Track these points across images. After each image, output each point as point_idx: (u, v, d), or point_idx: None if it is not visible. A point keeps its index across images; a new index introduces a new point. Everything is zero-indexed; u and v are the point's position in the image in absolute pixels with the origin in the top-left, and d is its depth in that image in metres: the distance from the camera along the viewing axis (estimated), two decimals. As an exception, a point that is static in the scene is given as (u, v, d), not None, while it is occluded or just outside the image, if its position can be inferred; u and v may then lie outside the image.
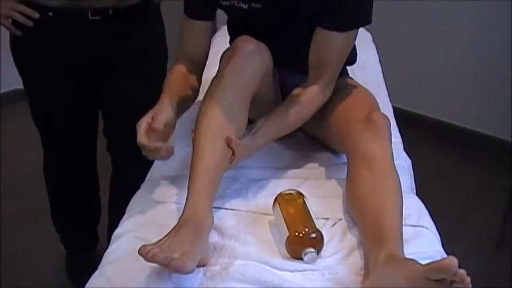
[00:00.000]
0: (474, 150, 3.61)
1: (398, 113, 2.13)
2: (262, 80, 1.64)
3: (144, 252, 1.20)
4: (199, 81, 1.80)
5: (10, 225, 2.83)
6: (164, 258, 1.19)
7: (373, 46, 2.68)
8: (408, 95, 3.78)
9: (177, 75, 1.74)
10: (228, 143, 1.50)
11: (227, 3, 1.70)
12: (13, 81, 3.98)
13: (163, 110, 1.56)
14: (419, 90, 3.84)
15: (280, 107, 1.68)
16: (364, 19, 1.68)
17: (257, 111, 1.65)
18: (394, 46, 3.63)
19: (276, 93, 1.83)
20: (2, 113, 3.95)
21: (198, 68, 1.80)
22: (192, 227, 1.32)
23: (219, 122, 1.51)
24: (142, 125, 1.51)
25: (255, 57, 1.60)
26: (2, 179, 3.17)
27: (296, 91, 1.71)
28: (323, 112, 1.73)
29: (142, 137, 1.49)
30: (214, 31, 1.86)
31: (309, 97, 1.69)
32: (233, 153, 1.52)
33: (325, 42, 1.67)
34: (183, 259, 1.19)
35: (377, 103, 1.77)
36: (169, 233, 1.31)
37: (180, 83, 1.72)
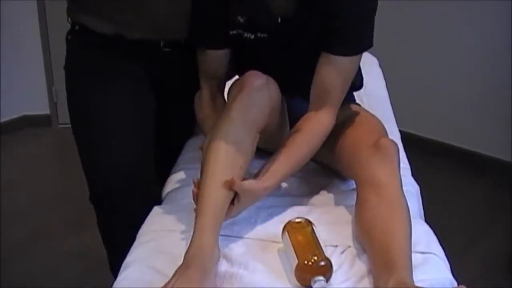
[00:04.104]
0: (483, 173, 3.60)
1: (406, 137, 2.13)
2: (270, 114, 1.65)
3: None
4: (223, 96, 1.86)
5: (11, 254, 2.82)
6: None
7: (379, 71, 2.70)
8: (415, 119, 3.79)
9: (206, 105, 1.82)
10: (230, 186, 1.49)
11: (235, 32, 1.73)
12: (13, 109, 4.10)
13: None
14: (426, 113, 3.84)
15: (286, 144, 1.66)
16: (366, 44, 1.70)
17: (266, 140, 1.66)
18: (400, 71, 3.64)
19: (284, 121, 1.84)
20: (2, 142, 3.97)
21: (220, 84, 1.87)
22: (199, 264, 1.33)
23: (227, 156, 1.52)
24: None
25: (263, 92, 1.61)
26: (2, 208, 3.14)
27: (302, 122, 1.71)
28: (331, 138, 1.73)
29: None
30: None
31: (316, 129, 1.69)
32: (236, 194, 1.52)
33: (329, 67, 1.68)
34: None
35: (384, 129, 1.78)
36: (176, 272, 1.31)
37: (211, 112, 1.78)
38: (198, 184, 1.52)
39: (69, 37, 1.99)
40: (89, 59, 1.94)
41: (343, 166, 1.76)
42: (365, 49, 1.72)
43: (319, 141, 1.69)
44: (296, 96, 1.83)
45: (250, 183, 1.54)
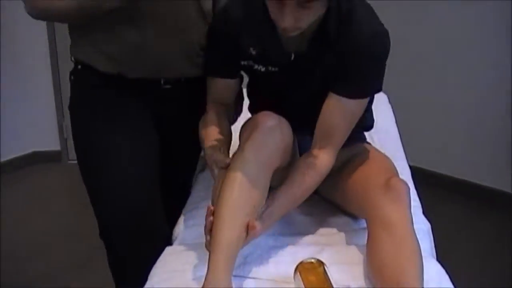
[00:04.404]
0: (494, 207, 3.58)
1: (416, 172, 2.13)
2: (282, 154, 1.66)
3: None
4: (229, 122, 1.86)
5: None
6: None
7: (389, 107, 2.71)
8: (425, 153, 3.79)
9: (211, 125, 1.79)
10: (250, 230, 1.52)
11: (246, 63, 1.75)
12: (24, 145, 4.13)
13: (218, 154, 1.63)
14: (436, 148, 3.84)
15: (286, 183, 1.67)
16: (375, 88, 1.71)
17: (277, 178, 1.67)
18: (409, 106, 3.66)
19: (296, 160, 1.84)
20: (13, 177, 3.99)
21: (227, 110, 1.86)
22: None
23: (241, 196, 1.53)
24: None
25: (276, 132, 1.63)
26: (3, 248, 3.14)
27: (302, 160, 1.71)
28: (341, 177, 1.74)
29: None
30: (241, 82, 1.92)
31: (315, 169, 1.69)
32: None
33: (336, 107, 1.69)
34: None
35: (395, 168, 1.78)
36: None
37: (215, 132, 1.77)
38: (213, 213, 1.53)
39: (72, 77, 2.02)
40: (92, 99, 1.96)
41: (354, 206, 1.76)
42: (373, 94, 1.73)
43: (318, 180, 1.70)
44: (305, 133, 1.84)
45: (259, 222, 1.56)
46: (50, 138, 4.15)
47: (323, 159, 1.70)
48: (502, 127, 3.55)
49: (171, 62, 1.92)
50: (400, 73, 3.48)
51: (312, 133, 1.78)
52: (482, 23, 3.49)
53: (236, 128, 1.85)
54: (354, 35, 1.61)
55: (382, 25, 1.64)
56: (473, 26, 3.53)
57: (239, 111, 2.05)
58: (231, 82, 1.83)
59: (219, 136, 1.75)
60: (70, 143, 4.06)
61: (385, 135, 2.34)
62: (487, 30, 3.47)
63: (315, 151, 1.71)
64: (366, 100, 1.72)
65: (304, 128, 1.79)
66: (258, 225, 1.54)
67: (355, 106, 1.69)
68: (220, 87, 1.83)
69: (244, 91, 2.01)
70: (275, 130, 1.62)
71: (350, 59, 1.63)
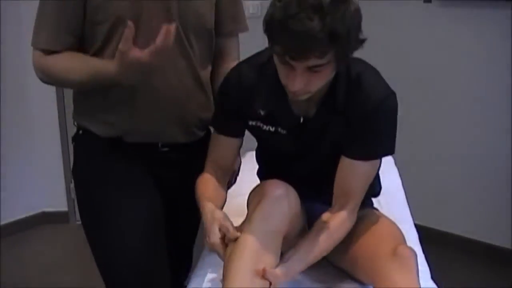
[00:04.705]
0: (503, 267, 3.55)
1: (423, 231, 2.13)
2: (290, 223, 1.67)
3: None
4: (226, 186, 1.89)
5: None
6: None
7: (395, 170, 2.72)
8: (431, 212, 3.78)
9: (209, 184, 1.82)
10: (263, 275, 1.52)
11: (254, 123, 1.77)
12: (32, 206, 4.14)
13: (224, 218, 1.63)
14: (443, 207, 3.83)
15: (309, 236, 1.70)
16: (388, 149, 1.73)
17: (284, 245, 1.67)
18: (415, 166, 3.66)
19: (304, 226, 1.85)
20: (20, 238, 3.98)
21: (225, 174, 1.89)
22: None
23: (249, 266, 1.53)
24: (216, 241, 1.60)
25: (284, 202, 1.64)
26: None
27: (324, 218, 1.73)
28: (349, 245, 1.75)
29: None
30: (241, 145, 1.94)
31: (337, 225, 1.70)
32: (270, 283, 1.54)
33: (350, 171, 1.71)
34: None
35: (402, 235, 1.78)
36: None
37: (213, 192, 1.80)
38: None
39: (74, 143, 2.07)
40: (93, 163, 2.01)
41: (362, 274, 1.76)
42: (386, 154, 1.75)
43: (339, 237, 1.72)
44: (313, 199, 1.84)
45: (281, 268, 1.57)
46: (57, 199, 4.16)
47: (343, 217, 1.71)
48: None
49: (169, 131, 1.96)
50: (404, 133, 3.49)
51: (319, 196, 1.79)
52: (485, 81, 3.53)
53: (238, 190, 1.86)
54: (363, 100, 1.64)
55: (389, 87, 1.67)
56: (475, 86, 3.57)
57: (234, 179, 2.08)
58: (234, 142, 1.85)
59: (215, 197, 1.77)
60: (78, 203, 4.10)
61: (391, 198, 2.34)
62: (491, 93, 3.52)
63: (335, 210, 1.72)
64: (379, 160, 1.74)
65: (312, 194, 1.80)
66: (280, 271, 1.55)
67: (369, 167, 1.72)
68: (222, 145, 1.86)
69: (252, 154, 2.02)
70: (282, 199, 1.63)
71: (359, 123, 1.65)
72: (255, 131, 1.80)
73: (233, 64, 1.93)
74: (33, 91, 3.83)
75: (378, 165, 1.76)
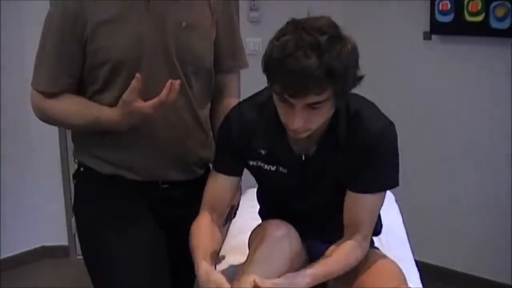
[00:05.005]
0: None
1: (423, 268, 2.12)
2: (290, 264, 1.67)
3: None
4: (222, 227, 1.86)
5: None
6: None
7: (396, 207, 2.71)
8: (434, 249, 3.77)
9: (205, 232, 1.77)
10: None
11: (254, 163, 1.77)
12: (32, 240, 4.13)
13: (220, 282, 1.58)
14: (444, 244, 3.82)
15: (322, 258, 1.70)
16: (392, 181, 1.73)
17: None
18: (415, 202, 3.66)
19: (304, 264, 1.84)
20: (20, 272, 3.97)
21: (220, 218, 1.85)
22: None
23: None
24: None
25: (285, 242, 1.64)
26: None
27: (335, 245, 1.73)
28: (350, 285, 1.74)
29: None
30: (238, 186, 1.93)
31: (347, 249, 1.71)
32: None
33: (357, 204, 1.72)
34: None
35: (403, 275, 1.78)
36: None
37: (209, 242, 1.75)
38: None
39: (75, 181, 2.09)
40: (94, 199, 2.02)
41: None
42: (390, 187, 1.75)
43: (350, 261, 1.72)
44: (314, 238, 1.84)
45: (284, 279, 1.55)
46: (58, 233, 4.16)
47: (356, 245, 1.71)
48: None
49: (168, 170, 1.97)
50: (404, 168, 3.49)
51: (321, 234, 1.79)
52: (485, 117, 3.55)
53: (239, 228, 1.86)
54: (362, 134, 1.65)
55: (387, 118, 1.70)
56: (475, 122, 3.59)
57: (231, 217, 2.07)
58: (232, 181, 1.83)
59: (211, 246, 1.74)
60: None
61: (392, 236, 2.33)
62: (491, 129, 3.53)
63: (347, 238, 1.73)
64: (385, 192, 1.74)
65: (314, 233, 1.80)
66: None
67: (375, 198, 1.73)
68: (220, 184, 1.83)
69: (253, 191, 2.03)
70: (283, 240, 1.64)
71: (360, 157, 1.66)
72: (256, 171, 1.81)
73: (232, 100, 1.95)
74: (34, 126, 3.82)
75: (384, 196, 1.77)
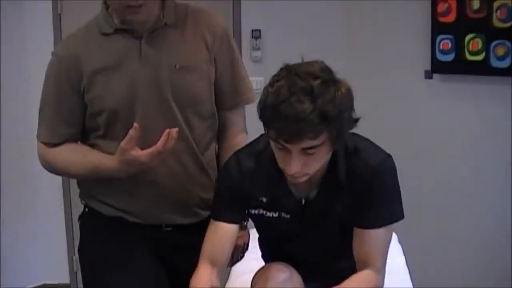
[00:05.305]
0: None
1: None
2: None
3: None
4: (219, 279, 1.83)
5: None
6: None
7: (399, 247, 2.70)
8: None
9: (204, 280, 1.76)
10: None
11: (256, 211, 1.77)
12: (35, 278, 4.11)
13: None
14: (447, 282, 3.80)
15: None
16: (397, 213, 1.74)
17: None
18: (418, 242, 3.65)
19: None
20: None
21: (220, 270, 1.83)
22: None
23: None
24: None
25: (287, 286, 1.64)
26: None
27: (348, 279, 1.72)
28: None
29: None
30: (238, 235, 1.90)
31: (361, 277, 1.71)
32: None
33: (365, 239, 1.72)
34: None
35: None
36: None
37: None
38: None
39: (80, 222, 2.10)
40: (97, 241, 2.03)
41: None
42: (396, 220, 1.75)
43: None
44: (316, 282, 1.83)
45: None
46: (59, 271, 4.14)
47: (372, 273, 1.71)
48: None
49: (170, 214, 1.97)
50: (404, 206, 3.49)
51: (322, 277, 1.79)
52: (485, 156, 3.55)
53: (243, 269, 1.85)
54: (361, 169, 1.67)
55: (384, 151, 1.71)
56: (476, 161, 3.58)
57: (242, 254, 2.07)
58: (232, 230, 1.81)
59: None
60: (80, 276, 4.07)
61: (396, 275, 2.32)
62: (491, 168, 3.53)
63: (360, 271, 1.73)
64: (393, 225, 1.74)
65: (316, 277, 1.79)
66: None
67: (382, 232, 1.73)
68: (220, 233, 1.81)
69: (255, 231, 2.02)
70: (286, 284, 1.64)
71: (362, 192, 1.68)
72: (258, 219, 1.81)
73: (238, 136, 1.97)
74: (37, 165, 3.85)
75: (392, 228, 1.77)
